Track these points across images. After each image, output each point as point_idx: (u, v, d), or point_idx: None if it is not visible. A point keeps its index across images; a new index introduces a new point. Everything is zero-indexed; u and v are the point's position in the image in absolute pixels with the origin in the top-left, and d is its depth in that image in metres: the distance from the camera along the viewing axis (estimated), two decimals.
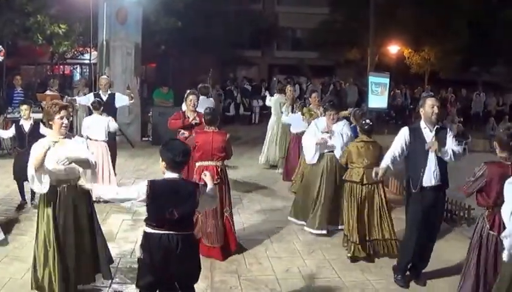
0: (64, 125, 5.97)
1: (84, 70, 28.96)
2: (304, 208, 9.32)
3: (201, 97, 13.94)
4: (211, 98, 14.74)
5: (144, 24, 18.01)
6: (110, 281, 6.70)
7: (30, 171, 5.69)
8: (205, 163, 7.90)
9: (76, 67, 30.68)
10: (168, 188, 5.02)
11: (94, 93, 12.30)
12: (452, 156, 6.70)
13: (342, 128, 9.00)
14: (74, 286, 6.16)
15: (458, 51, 29.12)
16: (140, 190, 5.00)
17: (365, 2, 27.49)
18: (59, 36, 17.86)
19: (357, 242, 7.92)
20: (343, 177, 8.36)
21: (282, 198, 11.32)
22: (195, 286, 5.29)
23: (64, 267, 5.98)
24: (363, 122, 8.39)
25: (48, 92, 15.24)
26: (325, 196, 8.94)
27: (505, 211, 5.00)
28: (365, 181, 7.97)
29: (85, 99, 12.18)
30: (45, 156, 5.61)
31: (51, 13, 17.35)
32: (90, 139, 10.16)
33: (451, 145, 6.81)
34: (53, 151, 5.73)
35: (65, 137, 6.05)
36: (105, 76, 12.89)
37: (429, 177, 6.76)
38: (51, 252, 5.96)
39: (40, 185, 5.76)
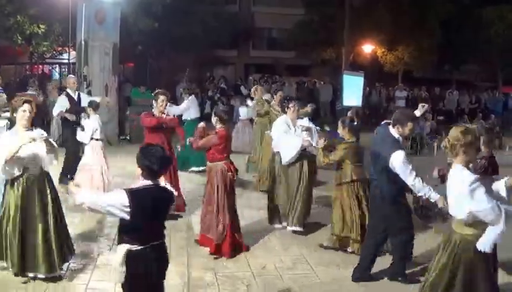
0: (25, 117, 6.38)
1: (63, 69, 28.83)
2: (284, 209, 9.18)
3: None
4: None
5: (122, 24, 18.10)
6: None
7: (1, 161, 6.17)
8: None
9: (55, 67, 30.51)
10: (152, 197, 4.50)
11: (65, 92, 12.04)
12: None
13: (308, 124, 9.01)
14: (33, 268, 6.48)
15: (431, 50, 29.59)
16: (117, 201, 4.39)
17: (340, 3, 27.80)
18: (38, 36, 17.91)
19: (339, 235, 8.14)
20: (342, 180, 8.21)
21: (258, 197, 11.37)
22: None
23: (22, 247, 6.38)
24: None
25: (29, 92, 15.33)
26: (306, 192, 9.00)
27: None
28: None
29: (58, 108, 11.72)
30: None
31: (30, 14, 17.39)
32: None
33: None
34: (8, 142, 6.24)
35: (27, 130, 6.43)
36: (72, 76, 12.94)
37: None
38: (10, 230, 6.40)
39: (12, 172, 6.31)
